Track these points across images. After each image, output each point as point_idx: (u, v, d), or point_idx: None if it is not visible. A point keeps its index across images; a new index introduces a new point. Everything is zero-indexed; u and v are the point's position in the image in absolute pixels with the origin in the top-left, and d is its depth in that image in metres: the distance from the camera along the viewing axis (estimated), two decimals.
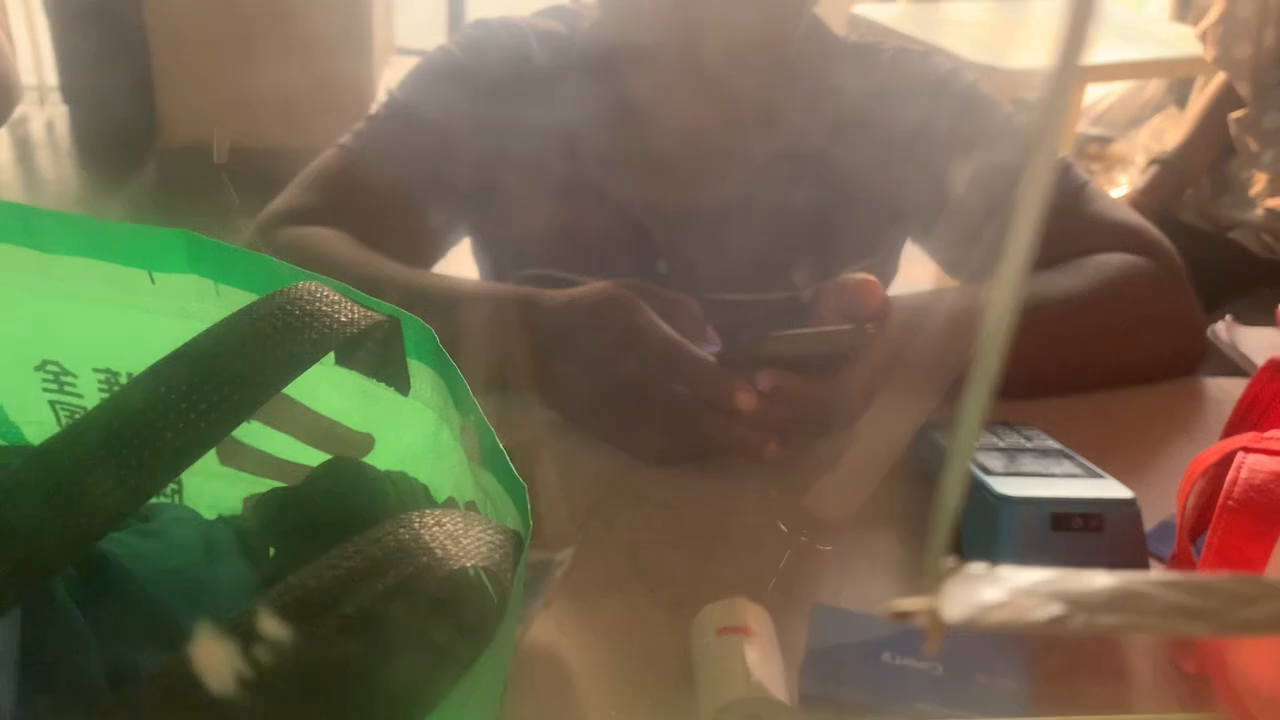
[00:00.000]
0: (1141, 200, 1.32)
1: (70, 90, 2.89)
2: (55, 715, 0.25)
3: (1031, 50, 2.09)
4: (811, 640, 0.52)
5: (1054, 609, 0.12)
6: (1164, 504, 0.63)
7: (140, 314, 0.34)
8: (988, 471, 0.60)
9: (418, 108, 0.86)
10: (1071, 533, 0.57)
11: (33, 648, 0.26)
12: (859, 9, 2.17)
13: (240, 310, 0.28)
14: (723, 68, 0.76)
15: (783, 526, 0.61)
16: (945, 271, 0.88)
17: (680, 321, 0.65)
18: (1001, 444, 0.65)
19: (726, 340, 0.66)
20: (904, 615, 0.14)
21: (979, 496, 0.59)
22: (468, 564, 0.22)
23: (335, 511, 0.33)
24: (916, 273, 0.92)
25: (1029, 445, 0.65)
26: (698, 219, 0.86)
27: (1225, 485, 0.49)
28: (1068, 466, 0.62)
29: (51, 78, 3.09)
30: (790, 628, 0.53)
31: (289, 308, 0.28)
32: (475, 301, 0.72)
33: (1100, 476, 0.61)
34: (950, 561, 0.14)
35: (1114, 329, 0.77)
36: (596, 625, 0.56)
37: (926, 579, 0.14)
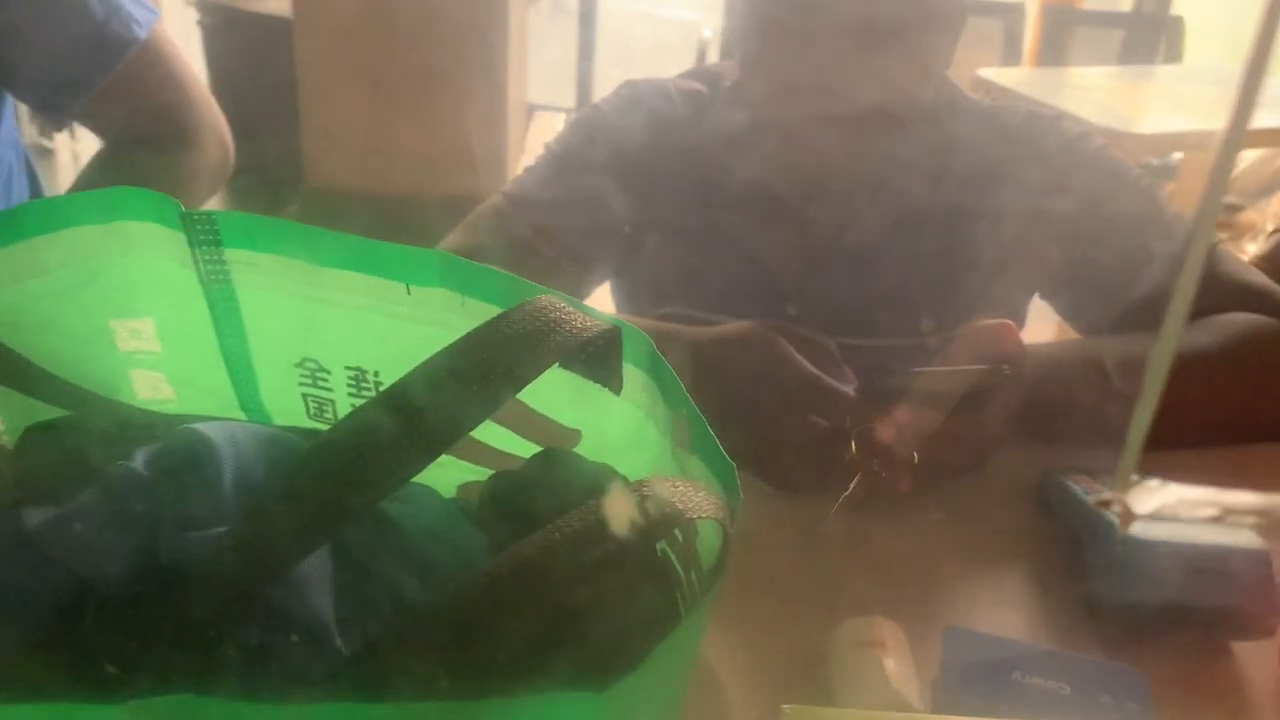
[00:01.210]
0: (1265, 266, 1.31)
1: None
2: (354, 622, 0.31)
3: (1155, 115, 2.09)
4: (945, 657, 0.55)
5: (1212, 511, 0.16)
6: None
7: (395, 320, 0.41)
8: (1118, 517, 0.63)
9: (571, 159, 0.93)
10: (1201, 575, 0.59)
11: (336, 576, 0.32)
12: (984, 72, 2.20)
13: (499, 316, 0.34)
14: (852, 129, 0.82)
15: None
16: (1072, 327, 0.91)
17: (819, 360, 0.70)
18: None
19: (864, 377, 0.70)
20: (1104, 502, 0.18)
21: (1108, 536, 0.61)
22: (702, 514, 0.27)
23: (552, 497, 0.39)
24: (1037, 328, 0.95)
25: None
26: (827, 267, 0.91)
27: None
28: (1203, 514, 0.65)
29: None
30: (924, 649, 0.56)
31: (538, 315, 0.34)
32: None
33: (1233, 526, 0.63)
34: (1134, 477, 0.19)
35: (1243, 385, 0.78)
36: (738, 639, 0.60)
37: (1118, 484, 0.19)
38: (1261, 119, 2.13)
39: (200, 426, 0.34)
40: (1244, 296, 0.81)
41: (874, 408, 0.66)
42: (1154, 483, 0.19)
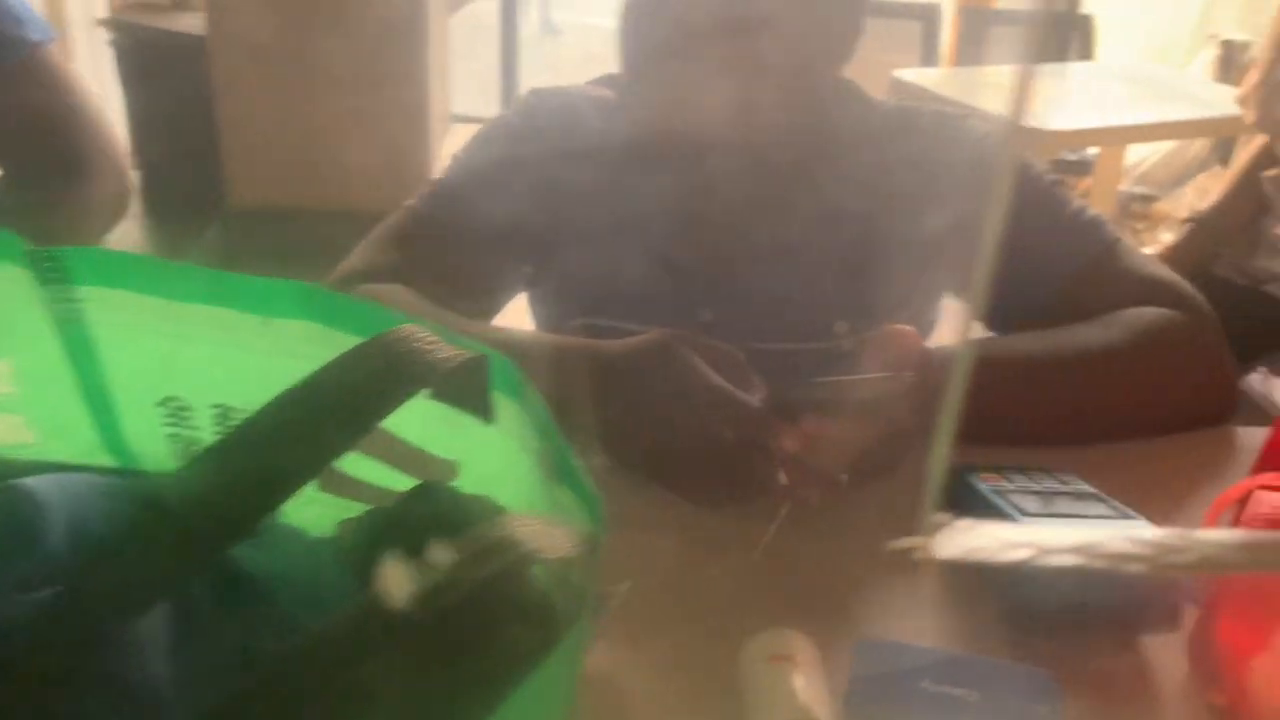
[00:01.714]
0: (1175, 257, 1.35)
1: (142, 155, 3.02)
2: (196, 690, 0.29)
3: (1068, 112, 2.13)
4: (855, 670, 0.55)
5: (1023, 552, 0.16)
6: None
7: (257, 355, 0.39)
8: (1023, 514, 0.63)
9: (478, 170, 0.92)
10: (1105, 573, 0.60)
11: (177, 637, 0.30)
12: (901, 73, 2.22)
13: (352, 349, 0.33)
14: (753, 133, 0.82)
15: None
16: (984, 325, 0.91)
17: (727, 370, 0.69)
18: (1037, 487, 0.68)
19: (772, 388, 0.70)
20: (902, 551, 0.17)
21: None
22: (553, 556, 0.26)
23: (428, 532, 0.38)
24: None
25: (1064, 489, 0.68)
26: (740, 271, 0.90)
27: (1243, 520, 0.51)
28: (1101, 510, 0.65)
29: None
30: (834, 660, 0.56)
31: (396, 347, 0.33)
32: (540, 352, 0.76)
33: (1131, 518, 0.64)
34: (942, 516, 0.18)
35: (1148, 380, 0.79)
36: (647, 655, 0.59)
37: (923, 528, 0.18)
38: (1173, 113, 2.18)
39: (28, 481, 0.32)
40: (1148, 290, 0.82)
41: (781, 419, 0.66)
42: (966, 524, 0.18)
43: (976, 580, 0.64)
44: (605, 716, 0.55)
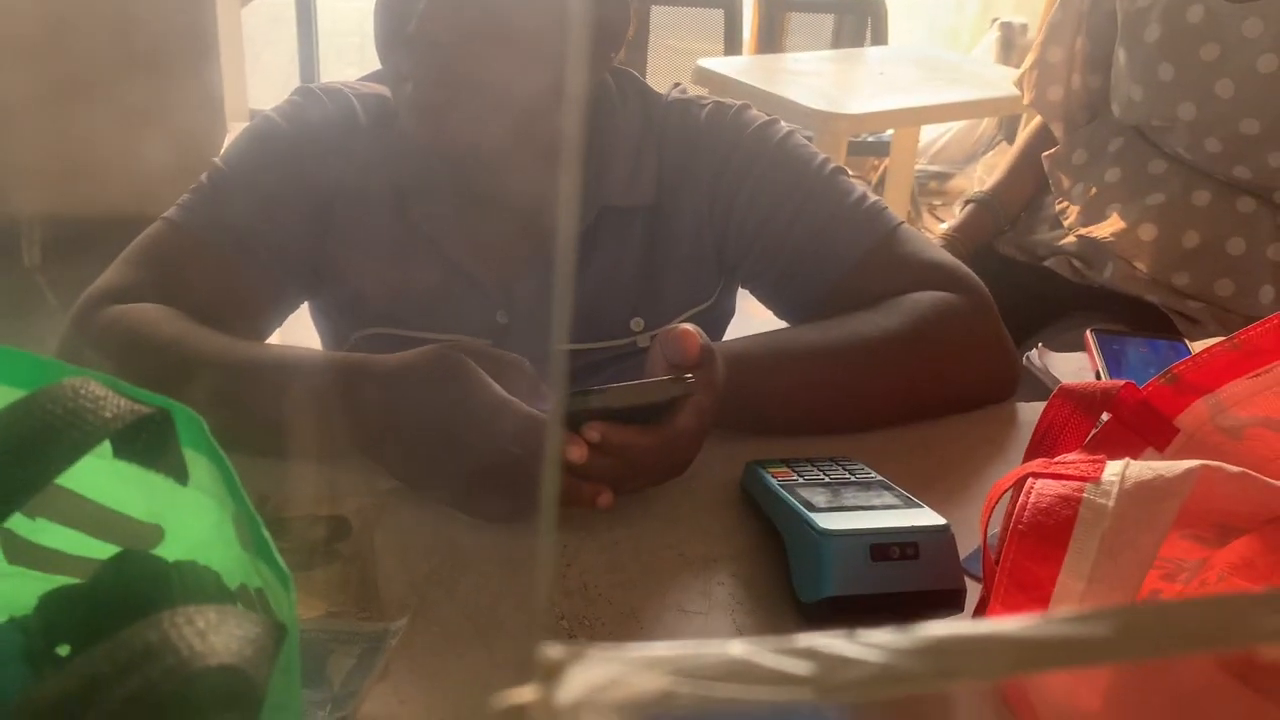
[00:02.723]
0: (957, 236, 1.40)
1: None
2: None
3: (865, 96, 2.20)
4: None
5: (665, 681, 0.13)
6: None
7: None
8: (812, 507, 0.63)
9: (242, 175, 0.85)
10: (890, 562, 0.60)
11: None
12: (704, 61, 2.24)
13: (12, 405, 0.28)
14: (530, 128, 0.79)
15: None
16: (774, 313, 0.91)
17: (513, 381, 0.66)
18: (826, 479, 0.68)
19: (559, 395, 0.68)
20: (517, 710, 0.15)
21: (802, 531, 0.62)
22: (213, 663, 0.22)
23: (124, 606, 0.33)
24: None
25: (852, 479, 0.68)
26: (532, 270, 0.87)
27: (1015, 510, 0.52)
28: (887, 498, 0.66)
29: None
30: None
31: (50, 407, 0.28)
32: (310, 371, 0.71)
33: (918, 506, 0.64)
34: (555, 649, 0.15)
35: (929, 362, 0.81)
36: (436, 690, 0.56)
37: (536, 670, 0.15)
38: (961, 94, 2.28)
39: None
40: (927, 274, 0.84)
41: (564, 429, 0.63)
42: (593, 652, 0.15)
43: (778, 570, 0.64)
44: None
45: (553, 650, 0.15)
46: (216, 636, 0.23)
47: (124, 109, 2.60)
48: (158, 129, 2.61)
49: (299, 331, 1.01)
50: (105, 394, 0.29)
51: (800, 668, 0.14)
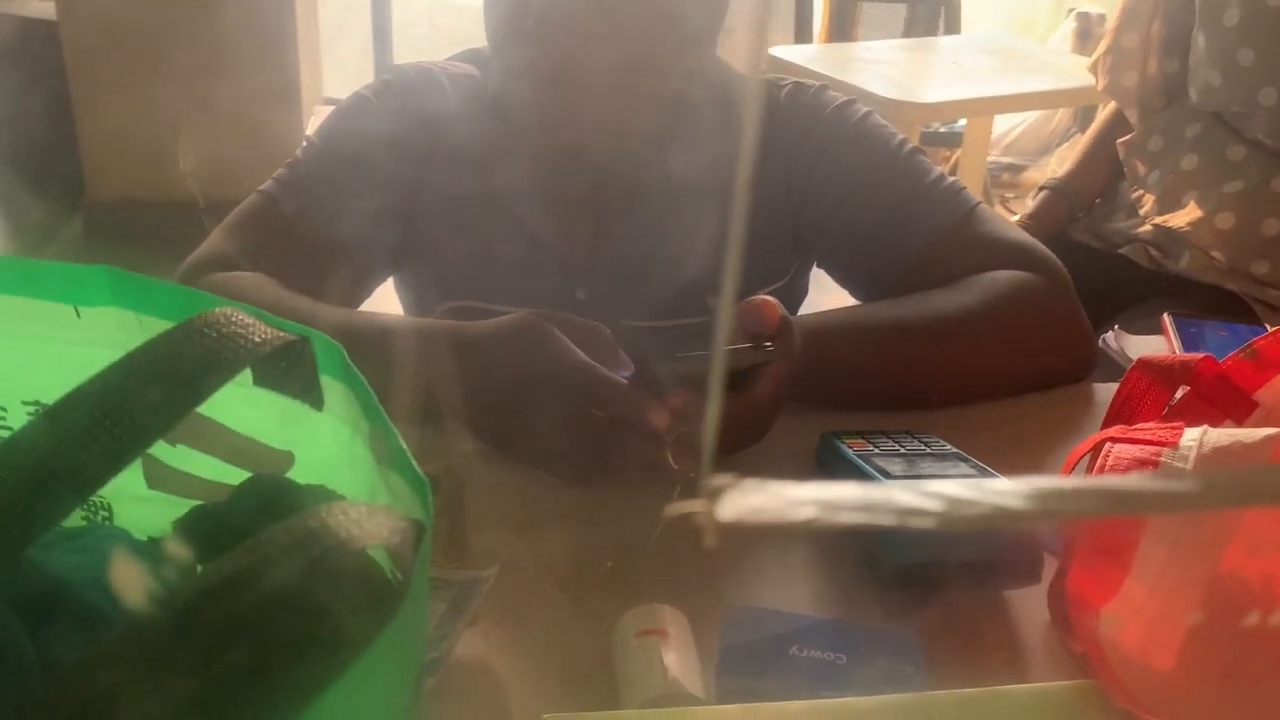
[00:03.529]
0: (1031, 224, 1.39)
1: None
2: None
3: (938, 85, 2.18)
4: (724, 639, 0.55)
5: (809, 510, 0.15)
6: None
7: (67, 347, 0.37)
8: (889, 476, 0.64)
9: (333, 150, 0.88)
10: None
11: None
12: (776, 50, 2.24)
13: (167, 332, 0.31)
14: (624, 107, 0.81)
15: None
16: (849, 292, 0.92)
17: (594, 348, 0.68)
18: (902, 450, 0.69)
19: (638, 364, 0.70)
20: (684, 516, 0.17)
21: None
22: (371, 544, 0.25)
23: (258, 526, 0.36)
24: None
25: (928, 451, 0.70)
26: (613, 248, 0.89)
27: (1095, 472, 0.53)
28: (963, 469, 0.67)
29: None
30: (708, 629, 0.56)
31: (206, 330, 0.31)
32: (401, 336, 0.74)
33: (993, 477, 0.65)
34: (724, 478, 0.17)
35: (1006, 341, 0.81)
36: (523, 634, 0.58)
37: (705, 490, 0.17)
38: (1035, 84, 2.25)
39: None
40: (1005, 254, 0.84)
41: (647, 394, 0.65)
42: (751, 484, 0.18)
43: (842, 542, 0.65)
44: (479, 699, 0.55)
45: (719, 478, 0.17)
46: (370, 524, 0.25)
47: (208, 99, 2.68)
48: (237, 117, 2.68)
49: (383, 304, 1.05)
50: (253, 321, 0.32)
51: (931, 504, 0.16)
